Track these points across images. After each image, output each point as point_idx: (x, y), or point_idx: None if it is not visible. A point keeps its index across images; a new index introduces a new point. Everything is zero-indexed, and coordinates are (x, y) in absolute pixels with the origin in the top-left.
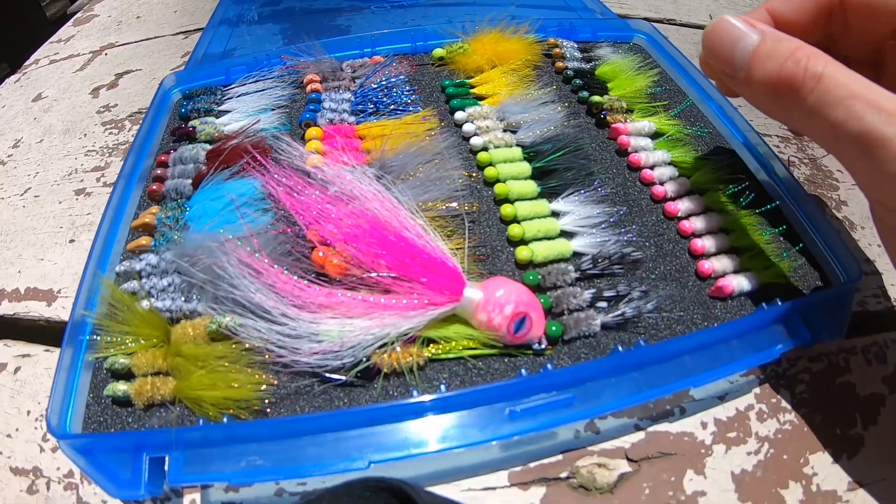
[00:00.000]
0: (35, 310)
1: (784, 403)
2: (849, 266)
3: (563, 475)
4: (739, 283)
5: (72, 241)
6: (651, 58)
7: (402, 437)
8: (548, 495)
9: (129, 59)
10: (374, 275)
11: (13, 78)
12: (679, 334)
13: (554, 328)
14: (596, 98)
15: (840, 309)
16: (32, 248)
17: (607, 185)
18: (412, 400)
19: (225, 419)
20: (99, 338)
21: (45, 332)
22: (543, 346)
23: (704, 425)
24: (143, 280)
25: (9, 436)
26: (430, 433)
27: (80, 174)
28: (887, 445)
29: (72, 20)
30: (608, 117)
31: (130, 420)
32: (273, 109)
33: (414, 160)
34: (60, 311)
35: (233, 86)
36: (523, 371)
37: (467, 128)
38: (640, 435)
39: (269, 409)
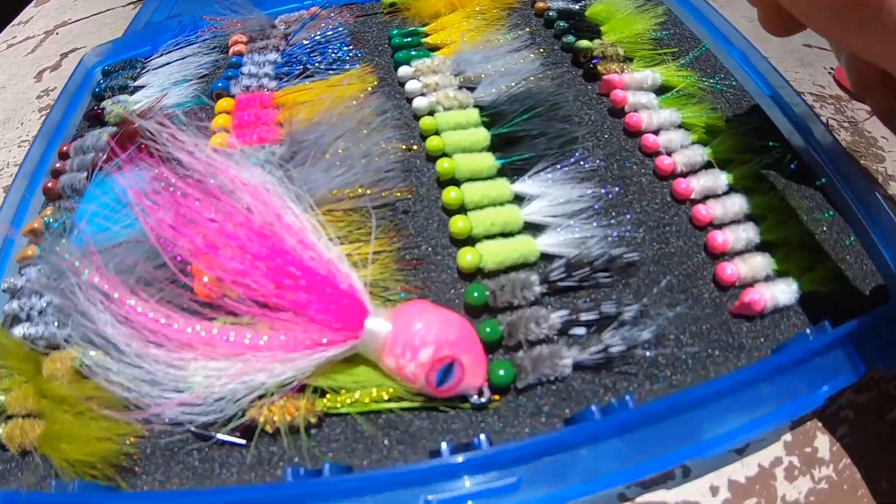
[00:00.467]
0: None
1: (821, 453)
2: None
3: None
4: (773, 295)
5: None
6: None
7: None
8: None
9: (77, 36)
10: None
11: None
12: (687, 382)
13: (502, 371)
14: (584, 43)
15: None
16: None
17: (593, 155)
18: (288, 479)
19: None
20: None
21: None
22: (485, 400)
23: (715, 491)
24: (24, 300)
25: None
26: None
27: (12, 168)
28: None
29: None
30: (599, 67)
31: (13, 466)
32: (190, 81)
33: (332, 132)
34: None
35: (153, 57)
36: (444, 446)
37: (411, 86)
38: None
39: (137, 468)
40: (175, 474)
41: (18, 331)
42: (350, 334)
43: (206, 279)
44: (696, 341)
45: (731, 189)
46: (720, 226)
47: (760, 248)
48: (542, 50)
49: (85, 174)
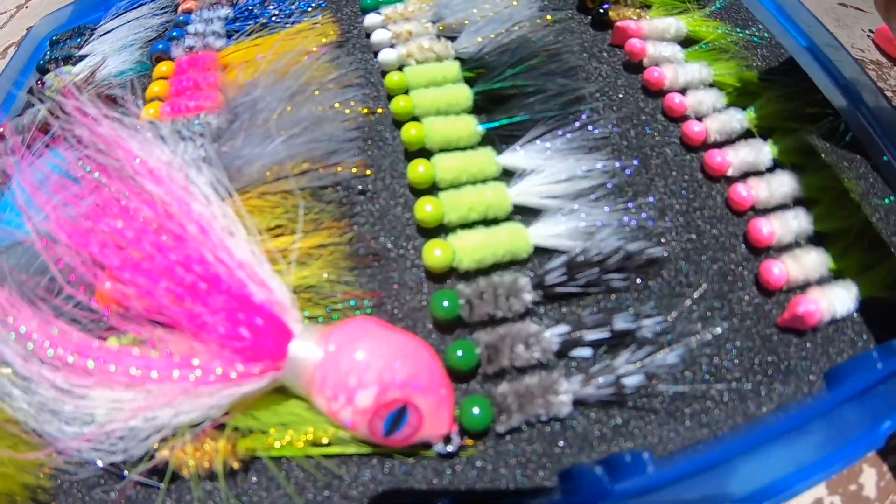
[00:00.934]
0: None
1: (867, 490)
2: None
3: None
4: (830, 303)
5: None
6: None
7: None
8: None
9: (47, 7)
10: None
11: None
12: (721, 421)
13: (477, 410)
14: None
15: None
16: None
17: (604, 118)
18: None
19: None
20: None
21: None
22: (453, 449)
23: None
24: None
25: None
26: None
27: None
28: None
29: None
30: (611, 13)
31: None
32: (136, 46)
33: (277, 93)
34: None
35: (102, 22)
36: None
37: (378, 36)
38: None
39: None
40: None
41: None
42: (270, 364)
43: (108, 284)
44: (735, 366)
45: (777, 164)
46: (764, 211)
47: (813, 240)
48: None
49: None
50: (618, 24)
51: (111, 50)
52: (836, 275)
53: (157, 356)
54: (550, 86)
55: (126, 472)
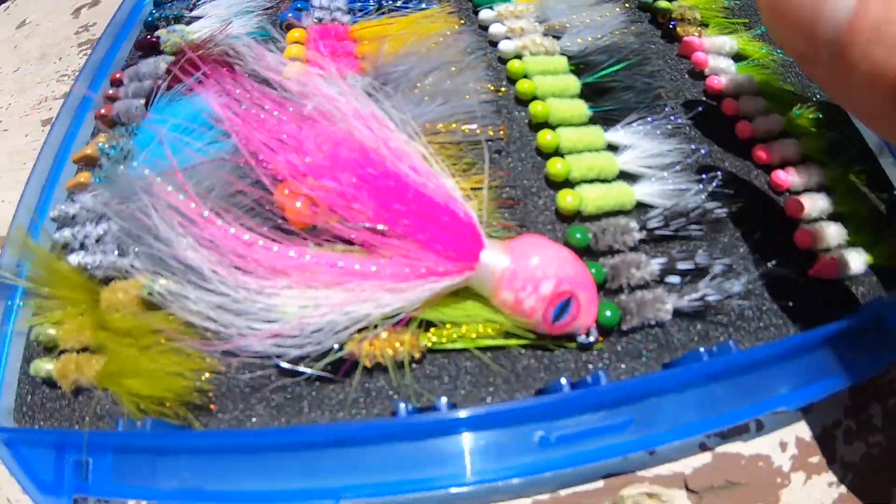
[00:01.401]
0: None
1: (875, 420)
2: None
3: None
4: (851, 260)
5: None
6: None
7: (383, 466)
8: None
9: None
10: (349, 226)
11: (3, 7)
12: (774, 333)
13: (609, 313)
14: (663, 4)
15: None
16: None
17: (677, 112)
18: (399, 419)
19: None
20: (24, 303)
21: None
22: (593, 339)
23: (784, 447)
24: (78, 228)
25: None
26: (422, 464)
27: (50, 102)
28: None
29: None
30: (678, 29)
31: (64, 405)
32: (253, 13)
33: (421, 66)
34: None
35: None
36: (563, 381)
37: (496, 29)
38: (706, 457)
39: (212, 406)
40: (256, 413)
41: (73, 259)
42: (466, 265)
43: (298, 204)
44: (779, 298)
45: (807, 158)
46: (797, 192)
47: (833, 217)
48: (626, 4)
49: (142, 101)
50: (685, 38)
51: (226, 14)
52: (851, 244)
53: (363, 258)
54: (639, 83)
55: (303, 369)
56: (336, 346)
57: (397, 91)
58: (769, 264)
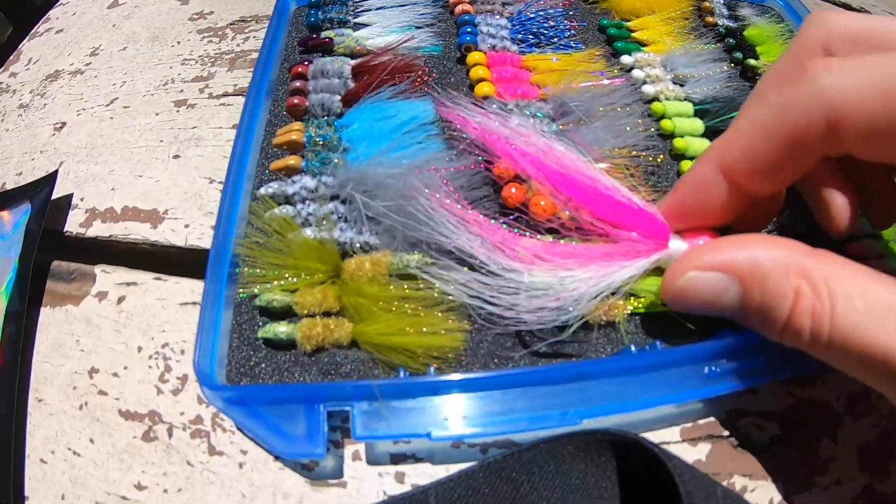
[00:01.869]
0: (137, 232)
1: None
2: None
3: (726, 434)
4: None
5: (176, 156)
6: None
7: (615, 392)
8: (713, 452)
9: None
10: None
11: None
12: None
13: None
14: (752, 62)
15: None
16: (127, 163)
17: None
18: (630, 354)
19: (431, 369)
20: (249, 270)
21: (149, 258)
22: None
23: (839, 397)
24: (298, 206)
25: (115, 374)
26: (640, 390)
27: (179, 84)
28: None
29: None
30: None
31: (288, 366)
32: (418, 27)
33: (595, 102)
34: (170, 233)
35: None
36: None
37: (637, 74)
38: (791, 400)
39: (463, 358)
40: (497, 365)
41: (310, 233)
42: (660, 246)
43: (542, 203)
44: None
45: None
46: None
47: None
48: (732, 64)
49: (338, 97)
50: None
51: (392, 25)
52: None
53: (601, 245)
54: None
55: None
56: (579, 316)
57: (577, 121)
58: None
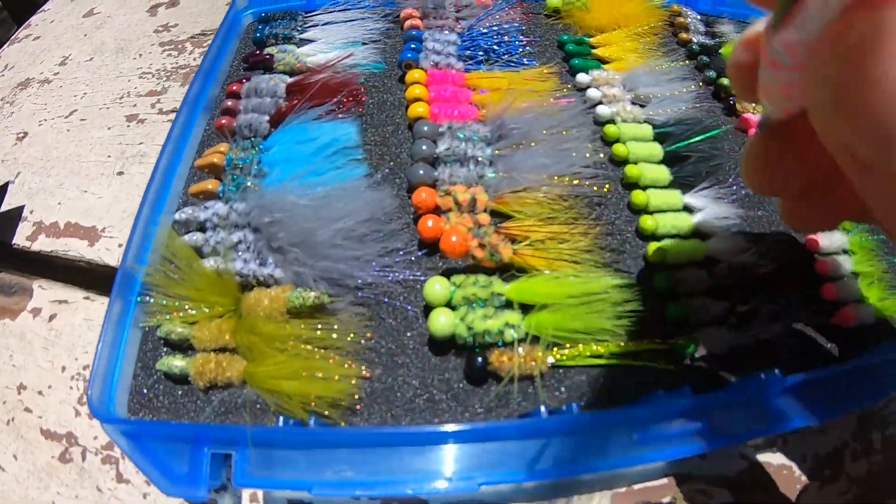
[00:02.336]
0: (75, 248)
1: (876, 444)
2: None
3: (666, 500)
4: (863, 313)
5: (120, 173)
6: None
7: (520, 457)
8: None
9: None
10: None
11: None
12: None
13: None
14: (725, 81)
15: None
16: (76, 177)
17: (739, 184)
18: (540, 417)
19: (311, 420)
20: (152, 299)
21: (86, 275)
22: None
23: (804, 459)
24: (209, 233)
25: (40, 393)
26: (552, 455)
27: (133, 98)
28: None
29: None
30: (738, 105)
31: (185, 401)
32: (364, 44)
33: (538, 124)
34: (104, 252)
35: (316, 13)
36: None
37: (592, 93)
38: (745, 463)
39: (358, 407)
40: (394, 417)
41: (210, 263)
42: None
43: (453, 238)
44: (806, 343)
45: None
46: (825, 254)
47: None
48: (700, 84)
49: (267, 117)
50: (744, 115)
51: (336, 41)
52: (863, 299)
53: None
54: (709, 154)
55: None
56: (480, 360)
57: (515, 142)
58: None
